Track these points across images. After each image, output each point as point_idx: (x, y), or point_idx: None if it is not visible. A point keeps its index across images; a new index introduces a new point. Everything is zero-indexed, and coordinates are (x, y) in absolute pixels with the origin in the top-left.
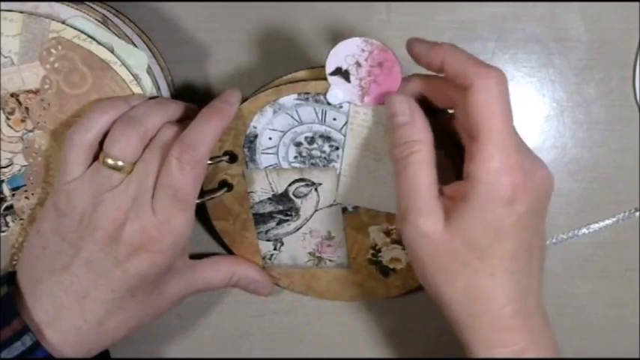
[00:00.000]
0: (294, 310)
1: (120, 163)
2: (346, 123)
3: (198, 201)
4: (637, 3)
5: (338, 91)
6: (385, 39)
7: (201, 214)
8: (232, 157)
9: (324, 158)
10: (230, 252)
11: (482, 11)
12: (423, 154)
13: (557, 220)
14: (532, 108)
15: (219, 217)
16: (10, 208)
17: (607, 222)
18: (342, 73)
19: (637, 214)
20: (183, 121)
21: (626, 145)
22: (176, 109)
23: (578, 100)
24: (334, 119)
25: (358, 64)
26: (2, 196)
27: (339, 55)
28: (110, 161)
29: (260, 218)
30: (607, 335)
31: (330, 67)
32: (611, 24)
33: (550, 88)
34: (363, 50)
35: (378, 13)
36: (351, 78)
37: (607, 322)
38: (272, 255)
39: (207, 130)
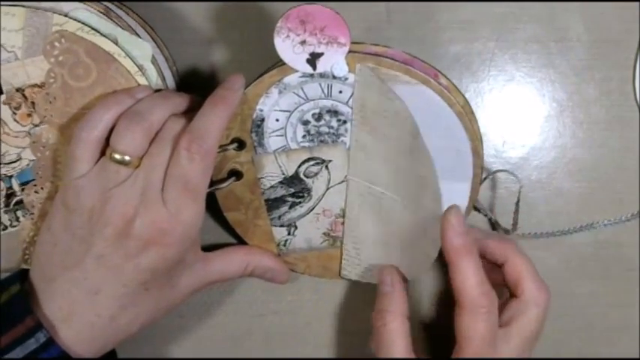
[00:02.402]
0: (294, 310)
1: (127, 157)
2: (352, 94)
3: (208, 190)
4: (637, 3)
5: (343, 63)
6: (385, 39)
7: (212, 205)
8: (240, 144)
9: (333, 134)
10: (244, 242)
11: (483, 11)
12: (395, 324)
13: (557, 220)
14: (532, 108)
15: (230, 207)
16: (20, 202)
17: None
18: (310, 61)
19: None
20: (189, 113)
21: (626, 145)
22: (180, 101)
23: (578, 100)
24: (340, 92)
25: (304, 42)
26: (12, 191)
27: (288, 52)
28: (117, 156)
29: (272, 204)
30: (607, 335)
31: (299, 66)
32: (611, 24)
33: (550, 88)
34: (289, 31)
35: (378, 13)
36: (320, 53)
37: (607, 322)
38: (286, 240)
39: (214, 118)
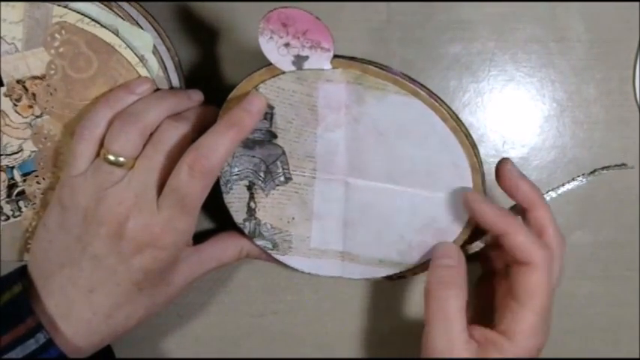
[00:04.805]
0: (294, 310)
1: (121, 159)
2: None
3: None
4: (637, 3)
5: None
6: (385, 39)
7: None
8: None
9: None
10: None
11: (482, 11)
12: (459, 299)
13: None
14: (532, 108)
15: None
16: (22, 193)
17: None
18: (296, 63)
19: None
20: (186, 113)
21: (626, 145)
22: (177, 101)
23: (578, 100)
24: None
25: (288, 45)
26: (14, 181)
27: (273, 53)
28: (111, 157)
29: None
30: (607, 335)
31: (286, 67)
32: (611, 24)
33: (550, 88)
34: (272, 33)
35: (378, 13)
36: (305, 57)
37: (607, 322)
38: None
39: (225, 140)
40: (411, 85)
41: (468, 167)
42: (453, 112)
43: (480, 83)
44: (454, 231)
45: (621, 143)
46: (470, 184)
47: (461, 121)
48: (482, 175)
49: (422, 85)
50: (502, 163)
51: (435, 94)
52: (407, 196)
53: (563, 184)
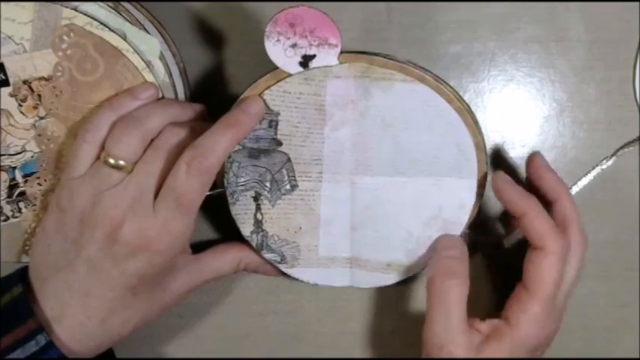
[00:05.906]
0: (294, 310)
1: (121, 162)
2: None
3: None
4: (637, 3)
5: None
6: (385, 39)
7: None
8: None
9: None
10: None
11: (482, 11)
12: (462, 290)
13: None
14: (532, 108)
15: None
16: (22, 194)
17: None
18: (302, 64)
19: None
20: (188, 123)
21: None
22: (180, 110)
23: (578, 100)
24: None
25: (295, 45)
26: (15, 182)
27: (280, 56)
28: (111, 160)
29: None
30: (607, 335)
31: (292, 69)
32: (611, 24)
33: (550, 88)
34: (279, 35)
35: (378, 13)
36: (312, 55)
37: (607, 322)
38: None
39: (223, 140)
40: (417, 71)
41: (472, 146)
42: (457, 93)
43: (480, 83)
44: (461, 222)
45: (621, 143)
46: (475, 164)
47: (465, 101)
48: (486, 154)
49: (427, 70)
50: (532, 155)
51: (441, 78)
52: (413, 187)
53: (588, 171)
